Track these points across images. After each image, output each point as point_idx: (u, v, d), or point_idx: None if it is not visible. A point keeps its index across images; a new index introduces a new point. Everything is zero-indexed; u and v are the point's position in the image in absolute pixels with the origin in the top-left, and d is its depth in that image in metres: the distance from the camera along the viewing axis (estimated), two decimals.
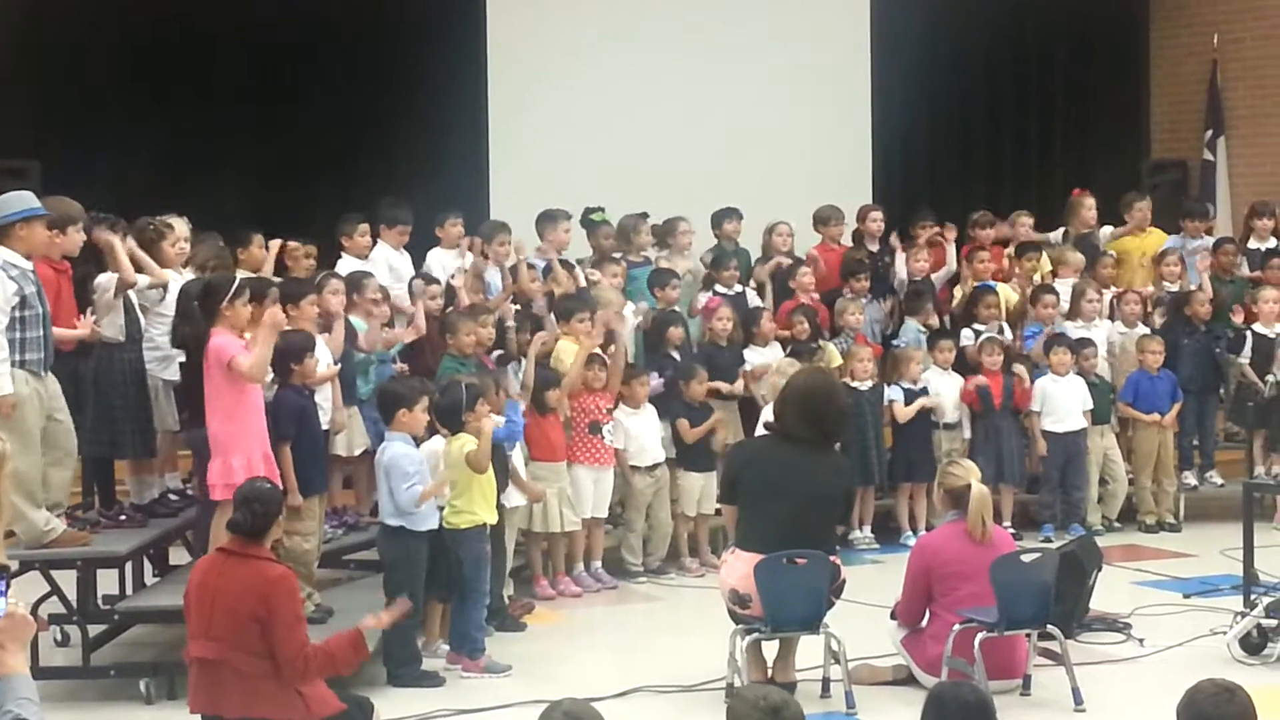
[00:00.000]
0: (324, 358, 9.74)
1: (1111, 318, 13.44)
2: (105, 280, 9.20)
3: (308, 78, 15.20)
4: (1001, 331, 12.94)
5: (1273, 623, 8.96)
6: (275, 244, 10.94)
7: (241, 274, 9.88)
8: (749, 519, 8.45)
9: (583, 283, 12.01)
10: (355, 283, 10.67)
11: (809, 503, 8.36)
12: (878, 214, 14.01)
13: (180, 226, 9.94)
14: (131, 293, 9.33)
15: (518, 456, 10.29)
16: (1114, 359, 13.20)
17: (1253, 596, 9.29)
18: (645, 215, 12.91)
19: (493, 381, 9.95)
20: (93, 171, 12.95)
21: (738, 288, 12.80)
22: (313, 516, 9.22)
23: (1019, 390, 12.54)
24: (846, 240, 13.83)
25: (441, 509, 9.02)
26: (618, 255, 12.56)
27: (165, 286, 9.53)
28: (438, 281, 11.45)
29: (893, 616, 8.79)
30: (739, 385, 12.01)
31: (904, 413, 12.37)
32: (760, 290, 13.01)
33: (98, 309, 9.14)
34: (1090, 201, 14.27)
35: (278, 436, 8.92)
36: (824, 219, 13.67)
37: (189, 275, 9.76)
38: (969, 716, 5.00)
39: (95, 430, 9.14)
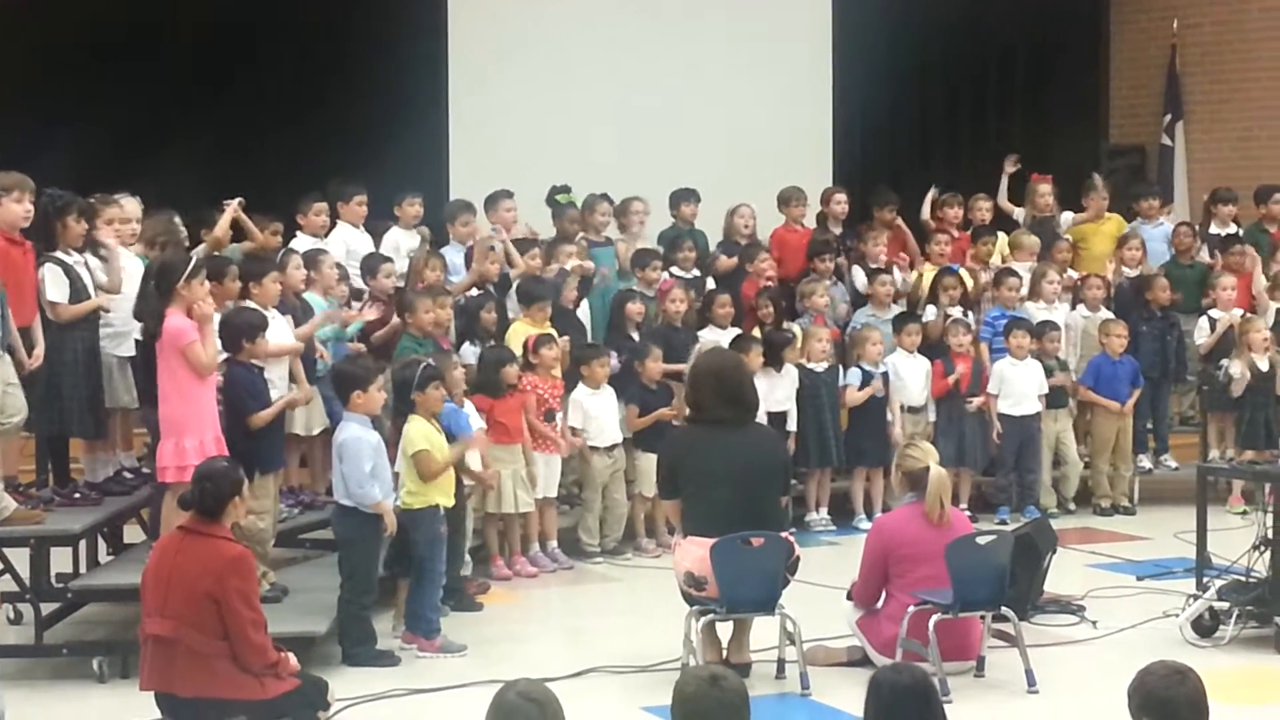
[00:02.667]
0: (285, 335, 9.73)
1: (1073, 303, 13.50)
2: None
3: (267, 55, 15.11)
4: (965, 314, 12.97)
5: (1225, 606, 9.01)
6: (232, 205, 10.84)
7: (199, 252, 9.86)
8: (695, 507, 8.43)
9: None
10: (311, 260, 10.67)
11: (751, 480, 8.38)
12: (842, 196, 14.01)
13: (131, 206, 9.88)
14: (84, 272, 9.25)
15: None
16: (1073, 346, 13.26)
17: (1205, 579, 9.33)
18: (604, 196, 12.89)
19: (451, 363, 9.96)
20: (49, 147, 12.84)
21: (695, 271, 12.78)
22: (268, 495, 9.19)
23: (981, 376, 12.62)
24: (809, 221, 13.82)
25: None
26: (577, 235, 12.56)
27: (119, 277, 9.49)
28: (391, 261, 11.41)
29: (849, 598, 8.79)
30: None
31: (856, 397, 12.40)
32: (717, 281, 12.96)
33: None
34: (1046, 187, 14.28)
35: (241, 412, 8.93)
36: (786, 199, 13.65)
37: (137, 252, 9.72)
38: (905, 700, 4.97)
39: (44, 408, 9.07)
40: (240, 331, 9.06)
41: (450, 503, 9.28)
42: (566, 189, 12.80)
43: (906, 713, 4.95)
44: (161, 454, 8.51)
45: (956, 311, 12.92)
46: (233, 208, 10.65)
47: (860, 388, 12.40)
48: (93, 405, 9.30)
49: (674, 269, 12.69)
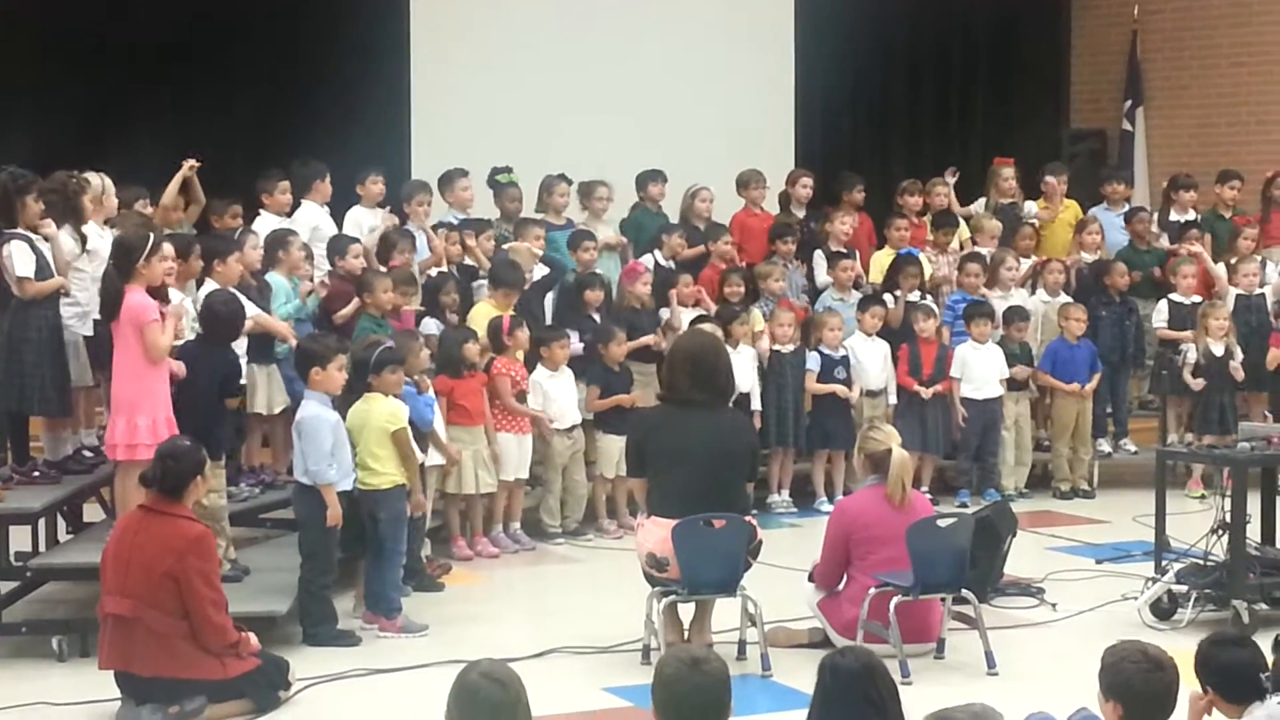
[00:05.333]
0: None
1: (1033, 287, 13.54)
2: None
3: (228, 35, 15.00)
4: (924, 298, 12.99)
5: (1183, 589, 9.06)
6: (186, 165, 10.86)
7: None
8: (660, 487, 8.45)
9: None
10: (280, 240, 10.62)
11: (717, 463, 8.39)
12: (808, 179, 13.94)
13: (104, 182, 9.85)
14: (45, 249, 9.20)
15: (437, 419, 10.27)
16: (1034, 331, 13.30)
17: (1164, 563, 9.39)
18: (562, 176, 12.85)
19: (415, 345, 9.97)
20: (11, 127, 12.77)
21: (671, 264, 12.72)
22: (221, 475, 9.17)
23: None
24: (768, 204, 13.80)
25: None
26: (538, 217, 12.53)
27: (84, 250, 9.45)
28: (359, 241, 11.38)
29: (810, 579, 8.81)
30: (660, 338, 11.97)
31: (816, 388, 12.41)
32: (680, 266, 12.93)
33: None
34: (1008, 171, 14.29)
35: (227, 394, 9.12)
36: (745, 182, 13.60)
37: (106, 231, 9.70)
38: (852, 684, 4.92)
39: (6, 385, 9.02)
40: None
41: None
42: (507, 169, 12.78)
43: (853, 696, 4.90)
44: (112, 431, 8.48)
45: (916, 296, 12.94)
46: (186, 166, 10.65)
47: (820, 373, 12.41)
48: (57, 383, 9.22)
49: (659, 256, 12.66)
